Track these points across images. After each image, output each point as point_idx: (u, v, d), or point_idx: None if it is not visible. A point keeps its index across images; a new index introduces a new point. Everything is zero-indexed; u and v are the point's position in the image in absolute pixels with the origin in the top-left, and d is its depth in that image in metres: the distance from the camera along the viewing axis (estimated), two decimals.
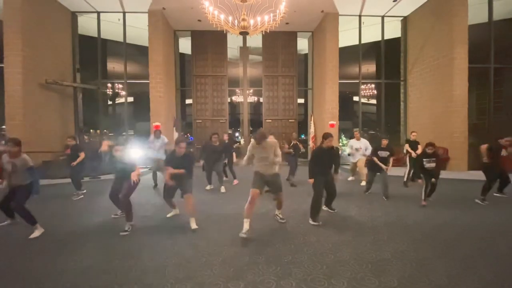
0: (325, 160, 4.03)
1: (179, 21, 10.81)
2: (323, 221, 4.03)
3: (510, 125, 9.79)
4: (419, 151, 6.43)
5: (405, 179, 6.80)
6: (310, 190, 6.08)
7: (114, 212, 4.38)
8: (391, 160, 5.54)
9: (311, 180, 4.03)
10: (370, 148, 6.69)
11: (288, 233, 3.60)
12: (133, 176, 3.72)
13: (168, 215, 4.39)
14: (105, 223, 4.07)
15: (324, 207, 4.46)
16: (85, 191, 5.89)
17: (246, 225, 3.38)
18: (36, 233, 3.56)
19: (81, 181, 6.00)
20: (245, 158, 3.85)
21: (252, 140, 3.69)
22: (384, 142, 5.59)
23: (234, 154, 7.25)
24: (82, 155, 5.69)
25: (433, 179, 4.84)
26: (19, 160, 3.60)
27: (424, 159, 4.85)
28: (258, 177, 3.69)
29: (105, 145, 4.09)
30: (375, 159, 5.56)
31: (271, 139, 3.79)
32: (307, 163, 4.34)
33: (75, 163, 5.60)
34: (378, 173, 5.61)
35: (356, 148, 6.96)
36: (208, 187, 6.45)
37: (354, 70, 12.29)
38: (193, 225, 3.76)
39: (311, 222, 3.94)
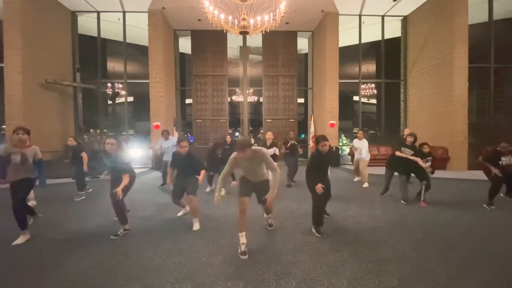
0: (324, 164, 3.68)
1: (179, 20, 10.81)
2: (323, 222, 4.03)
3: (510, 125, 9.79)
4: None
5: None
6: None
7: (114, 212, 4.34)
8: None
9: (318, 187, 3.47)
10: (366, 150, 6.73)
11: (288, 232, 3.60)
12: (119, 189, 3.36)
13: (179, 214, 4.38)
14: (105, 223, 4.06)
15: None
16: (90, 190, 6.07)
17: (242, 239, 2.98)
18: (21, 239, 3.29)
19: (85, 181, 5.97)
20: (221, 177, 3.20)
21: (234, 153, 3.08)
22: (410, 139, 5.04)
23: None
24: (84, 157, 5.58)
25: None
26: (29, 150, 3.37)
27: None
28: (243, 183, 3.26)
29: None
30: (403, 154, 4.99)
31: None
32: (306, 163, 3.98)
33: (85, 167, 5.56)
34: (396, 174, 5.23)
35: (356, 147, 6.90)
36: (208, 189, 6.17)
37: (354, 69, 12.29)
38: (196, 226, 3.75)
39: (314, 231, 3.55)
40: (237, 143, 3.00)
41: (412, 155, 4.94)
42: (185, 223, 3.98)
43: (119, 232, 3.52)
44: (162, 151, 6.48)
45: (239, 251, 2.94)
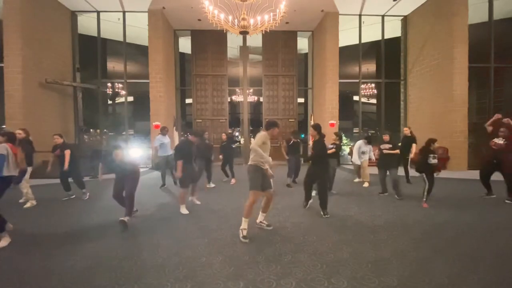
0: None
1: (179, 20, 10.80)
2: (323, 221, 4.04)
3: None
4: (413, 148, 6.93)
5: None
6: None
7: (114, 212, 4.37)
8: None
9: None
10: (371, 154, 6.78)
11: (288, 232, 3.60)
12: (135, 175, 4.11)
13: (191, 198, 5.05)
14: (105, 223, 4.06)
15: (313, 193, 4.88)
16: (74, 196, 5.61)
17: (245, 225, 3.33)
18: (3, 242, 3.22)
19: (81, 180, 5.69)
20: (263, 153, 3.35)
21: (263, 132, 3.46)
22: (386, 137, 5.69)
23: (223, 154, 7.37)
24: (67, 153, 5.28)
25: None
26: None
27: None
28: (260, 175, 3.43)
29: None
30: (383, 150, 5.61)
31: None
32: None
33: (66, 166, 5.21)
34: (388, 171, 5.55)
35: (363, 151, 6.69)
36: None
37: (354, 69, 12.29)
38: (183, 211, 4.47)
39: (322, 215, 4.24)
40: (273, 122, 3.54)
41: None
42: (185, 223, 3.98)
43: (125, 219, 3.80)
44: (159, 147, 6.63)
45: (241, 235, 3.29)
